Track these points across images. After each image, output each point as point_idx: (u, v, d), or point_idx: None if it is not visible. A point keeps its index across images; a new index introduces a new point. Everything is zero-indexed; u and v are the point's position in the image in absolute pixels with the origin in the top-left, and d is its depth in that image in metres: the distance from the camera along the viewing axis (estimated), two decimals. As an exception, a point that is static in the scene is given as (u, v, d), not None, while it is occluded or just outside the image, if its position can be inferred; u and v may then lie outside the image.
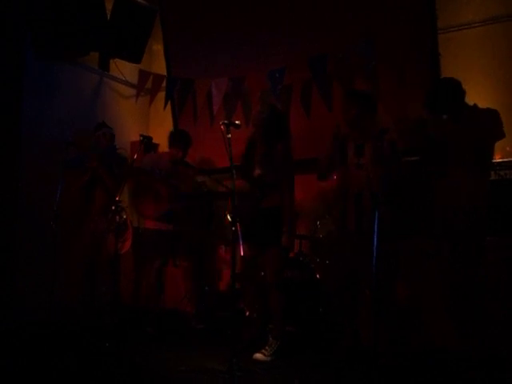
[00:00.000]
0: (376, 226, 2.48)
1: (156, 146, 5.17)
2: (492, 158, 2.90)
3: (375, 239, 2.47)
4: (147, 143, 3.62)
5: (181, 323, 3.84)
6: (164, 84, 5.02)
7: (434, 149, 2.90)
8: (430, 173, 3.01)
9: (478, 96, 3.26)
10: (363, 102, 3.03)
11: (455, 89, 2.89)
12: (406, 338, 3.15)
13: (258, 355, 3.05)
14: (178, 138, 3.97)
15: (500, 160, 3.37)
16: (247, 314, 3.89)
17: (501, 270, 2.98)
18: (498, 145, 3.26)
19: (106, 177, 3.90)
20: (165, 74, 5.11)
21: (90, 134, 4.24)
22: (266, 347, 3.09)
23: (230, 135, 2.89)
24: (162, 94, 5.03)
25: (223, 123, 2.91)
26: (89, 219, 3.99)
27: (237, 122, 2.96)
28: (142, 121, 5.47)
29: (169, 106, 5.06)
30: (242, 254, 2.65)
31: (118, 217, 3.37)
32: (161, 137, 4.66)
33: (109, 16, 4.49)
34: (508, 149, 3.48)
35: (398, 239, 3.06)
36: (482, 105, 2.96)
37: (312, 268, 3.80)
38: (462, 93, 2.90)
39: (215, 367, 2.80)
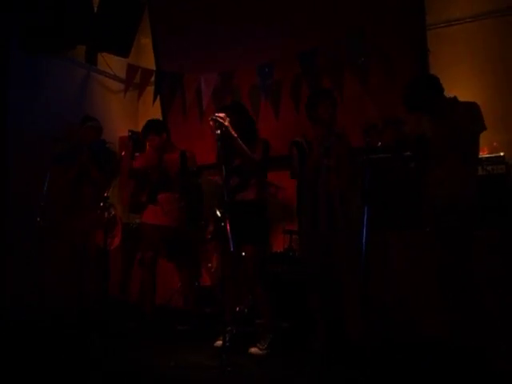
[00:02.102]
0: (365, 223, 2.51)
1: (145, 141, 5.14)
2: (478, 151, 2.92)
3: (364, 235, 2.49)
4: (136, 139, 3.59)
5: (171, 319, 3.82)
6: (153, 78, 4.98)
7: (408, 145, 2.94)
8: (416, 168, 3.05)
9: (466, 92, 3.29)
10: (335, 102, 3.11)
11: (432, 85, 2.90)
12: (396, 331, 3.18)
13: (253, 349, 3.05)
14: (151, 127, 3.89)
15: (487, 155, 3.41)
16: (237, 309, 3.91)
17: (495, 263, 3.02)
18: (486, 140, 3.30)
19: (94, 172, 3.86)
20: (153, 68, 5.06)
21: (78, 128, 4.19)
22: (261, 341, 3.10)
23: (219, 131, 2.88)
24: (150, 89, 4.99)
25: (212, 119, 2.90)
26: (76, 215, 3.95)
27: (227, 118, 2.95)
28: (131, 116, 5.43)
29: (158, 101, 5.02)
30: (231, 249, 2.64)
31: (106, 213, 3.35)
32: (150, 132, 4.62)
33: (96, 9, 4.43)
34: (495, 144, 3.52)
35: (376, 232, 3.11)
36: (470, 100, 2.98)
37: (302, 263, 3.81)
38: (440, 89, 2.90)
39: (205, 363, 2.80)
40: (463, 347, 2.72)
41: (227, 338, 2.81)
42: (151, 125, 3.84)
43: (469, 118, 2.77)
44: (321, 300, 3.12)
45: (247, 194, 3.15)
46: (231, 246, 2.62)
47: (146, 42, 5.41)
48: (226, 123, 2.92)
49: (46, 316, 3.51)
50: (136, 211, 3.87)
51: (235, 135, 2.98)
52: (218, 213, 2.74)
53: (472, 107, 2.80)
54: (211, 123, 2.90)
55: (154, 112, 5.02)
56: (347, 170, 3.00)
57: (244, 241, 3.07)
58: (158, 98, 4.99)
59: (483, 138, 2.85)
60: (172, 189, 3.74)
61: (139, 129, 4.00)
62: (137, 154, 4.43)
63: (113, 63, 5.12)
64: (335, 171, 3.03)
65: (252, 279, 3.20)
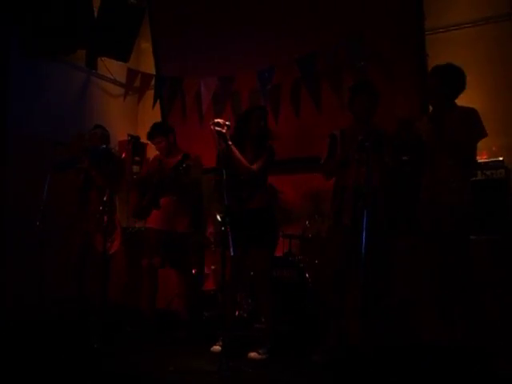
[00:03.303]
0: (364, 223, 2.50)
1: (144, 145, 5.15)
2: (475, 157, 2.92)
3: (364, 236, 2.49)
4: (135, 143, 3.59)
5: (170, 323, 3.81)
6: (152, 83, 4.99)
7: (421, 148, 2.92)
8: (413, 171, 3.04)
9: (465, 96, 3.28)
10: (375, 95, 3.02)
11: (462, 82, 2.88)
12: (394, 334, 3.19)
13: (252, 354, 3.04)
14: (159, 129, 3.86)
15: (486, 160, 3.42)
16: (237, 313, 3.90)
17: (495, 266, 3.03)
18: (485, 145, 3.30)
19: (98, 178, 3.86)
20: (153, 72, 5.08)
21: (80, 133, 4.21)
22: (261, 346, 3.09)
23: (218, 136, 2.89)
24: (150, 93, 5.00)
25: (213, 123, 2.90)
26: (83, 220, 3.95)
27: (227, 122, 2.95)
28: (131, 120, 5.44)
29: (157, 105, 5.03)
30: (232, 254, 2.64)
31: (106, 217, 3.34)
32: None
33: (96, 13, 4.45)
34: (494, 149, 3.53)
35: (392, 236, 3.08)
36: (469, 105, 2.98)
37: (301, 268, 3.81)
38: (460, 89, 2.89)
39: (204, 367, 2.79)
40: (464, 348, 2.72)
41: (226, 343, 2.80)
42: (158, 127, 3.85)
43: (467, 124, 2.77)
44: (335, 304, 3.03)
45: (251, 204, 3.13)
46: (231, 250, 2.62)
47: (145, 46, 5.43)
48: (224, 130, 2.92)
49: (46, 317, 3.51)
50: (139, 216, 3.85)
51: (230, 143, 2.97)
52: (219, 217, 2.73)
53: (471, 114, 2.80)
54: (212, 128, 2.90)
55: (154, 116, 5.04)
56: (382, 167, 2.87)
57: (249, 246, 3.07)
58: (158, 102, 5.01)
59: (482, 142, 2.85)
60: (171, 192, 3.73)
61: (139, 133, 4.02)
62: (137, 158, 4.44)
63: (113, 67, 5.14)
64: (367, 166, 2.83)
65: (258, 283, 3.18)
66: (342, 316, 3.05)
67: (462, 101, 2.96)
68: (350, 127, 3.07)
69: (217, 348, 3.08)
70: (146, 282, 3.82)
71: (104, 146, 3.94)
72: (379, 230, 2.83)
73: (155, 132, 3.79)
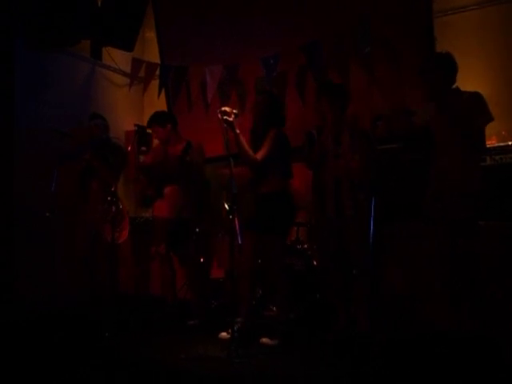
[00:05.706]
0: (372, 214, 2.51)
1: (150, 135, 5.14)
2: (484, 141, 2.91)
3: (372, 225, 2.49)
4: (141, 133, 3.60)
5: (181, 311, 3.84)
6: (157, 72, 4.97)
7: (417, 136, 2.92)
8: (418, 158, 3.05)
9: (474, 80, 3.25)
10: (331, 94, 3.09)
11: (451, 63, 2.88)
12: (402, 322, 3.20)
13: (264, 339, 3.06)
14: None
15: (495, 145, 3.38)
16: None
17: (507, 253, 3.02)
18: (494, 130, 3.27)
19: (100, 167, 3.88)
20: (158, 61, 5.05)
21: (85, 124, 4.22)
22: (273, 332, 3.11)
23: (225, 124, 2.87)
24: (155, 82, 4.99)
25: (220, 112, 2.89)
26: (85, 210, 3.98)
27: (234, 110, 2.93)
28: (136, 110, 5.43)
29: (163, 94, 5.02)
30: (239, 242, 2.65)
31: (113, 207, 3.36)
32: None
33: (100, 3, 4.42)
34: (504, 133, 3.49)
35: (384, 224, 3.13)
36: (477, 89, 2.94)
37: (309, 255, 3.82)
38: (455, 70, 2.88)
39: (215, 354, 2.82)
40: (474, 337, 2.72)
41: (235, 330, 2.82)
42: (155, 116, 3.84)
43: (473, 109, 2.74)
44: (337, 288, 3.13)
45: (261, 188, 3.14)
46: (239, 239, 2.63)
47: (150, 35, 5.40)
48: (231, 118, 2.90)
49: (57, 308, 3.55)
50: (145, 205, 3.89)
51: (238, 131, 2.96)
52: (226, 206, 2.74)
53: (476, 98, 2.77)
54: (219, 116, 2.89)
55: (160, 105, 5.01)
56: (359, 157, 2.96)
57: (261, 231, 3.08)
58: (164, 91, 4.99)
59: (491, 127, 2.83)
60: (176, 181, 3.74)
61: (145, 122, 4.01)
62: (144, 148, 4.43)
63: (117, 57, 5.12)
64: (344, 158, 3.01)
65: (270, 272, 3.20)
66: (349, 302, 3.12)
67: (469, 85, 2.92)
68: (325, 123, 3.13)
69: (224, 335, 3.11)
70: (162, 270, 3.87)
71: (106, 137, 3.95)
72: (363, 216, 2.84)
73: (151, 121, 3.81)
